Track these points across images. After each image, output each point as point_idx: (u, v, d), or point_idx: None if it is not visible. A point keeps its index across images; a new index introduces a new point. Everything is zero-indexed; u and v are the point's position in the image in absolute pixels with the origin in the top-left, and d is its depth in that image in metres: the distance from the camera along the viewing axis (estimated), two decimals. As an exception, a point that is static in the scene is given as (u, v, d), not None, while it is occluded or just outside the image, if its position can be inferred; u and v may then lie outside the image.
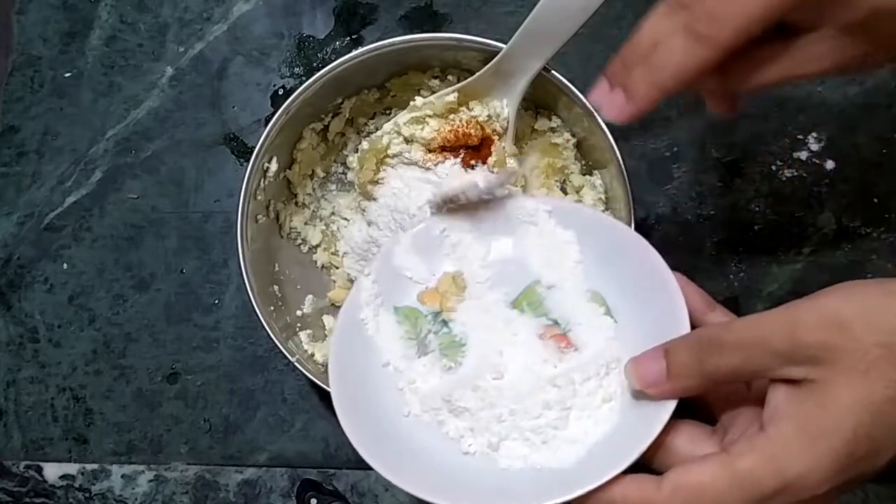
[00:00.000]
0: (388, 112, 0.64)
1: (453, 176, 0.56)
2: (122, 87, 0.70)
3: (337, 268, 0.63)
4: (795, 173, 0.63)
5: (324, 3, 0.70)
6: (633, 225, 0.53)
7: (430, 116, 0.57)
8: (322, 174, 0.64)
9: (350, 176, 0.62)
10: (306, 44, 0.70)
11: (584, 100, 0.53)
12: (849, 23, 0.39)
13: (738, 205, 0.63)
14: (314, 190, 0.64)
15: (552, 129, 0.60)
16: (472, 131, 0.57)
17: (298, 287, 0.61)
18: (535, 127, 0.61)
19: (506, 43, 0.53)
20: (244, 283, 0.55)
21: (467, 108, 0.57)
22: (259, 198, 0.58)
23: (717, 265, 0.62)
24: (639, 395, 0.45)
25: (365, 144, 0.59)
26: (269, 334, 0.55)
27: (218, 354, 0.65)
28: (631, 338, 0.49)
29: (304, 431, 0.63)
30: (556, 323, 0.51)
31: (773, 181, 0.63)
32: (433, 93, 0.58)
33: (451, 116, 0.57)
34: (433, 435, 0.49)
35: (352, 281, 0.62)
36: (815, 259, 0.61)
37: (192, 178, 0.68)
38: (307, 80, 0.56)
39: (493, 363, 0.50)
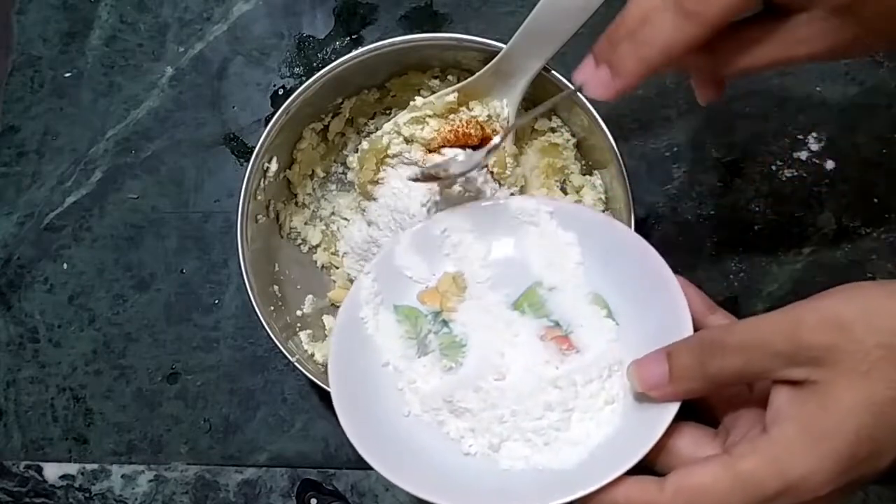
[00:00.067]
0: (388, 112, 0.63)
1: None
2: (122, 87, 0.70)
3: (337, 268, 0.63)
4: (795, 173, 0.63)
5: (324, 3, 0.70)
6: (633, 225, 0.53)
7: (430, 116, 0.57)
8: (322, 174, 0.64)
9: (350, 176, 0.62)
10: (306, 44, 0.69)
11: (585, 100, 0.53)
12: (838, 4, 0.39)
13: (738, 205, 0.63)
14: (314, 190, 0.64)
15: (552, 129, 0.60)
16: (472, 131, 0.57)
17: (298, 287, 0.61)
18: (535, 127, 0.61)
19: (506, 43, 0.53)
20: (244, 283, 0.55)
21: (467, 108, 0.57)
22: (259, 198, 0.58)
23: (717, 265, 0.62)
24: (641, 397, 0.45)
25: (365, 144, 0.59)
26: (269, 334, 0.55)
27: (218, 354, 0.65)
28: (633, 340, 0.49)
29: (304, 431, 0.63)
30: (557, 324, 0.51)
31: (773, 181, 0.63)
32: (433, 93, 0.58)
33: (451, 116, 0.57)
34: (434, 435, 0.49)
35: (352, 281, 0.62)
36: (815, 259, 0.61)
37: (192, 178, 0.68)
38: (307, 80, 0.56)
39: (494, 364, 0.50)
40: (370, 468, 0.46)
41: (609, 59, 0.43)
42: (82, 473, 0.65)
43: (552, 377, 0.49)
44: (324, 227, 0.63)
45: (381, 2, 0.69)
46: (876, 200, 0.62)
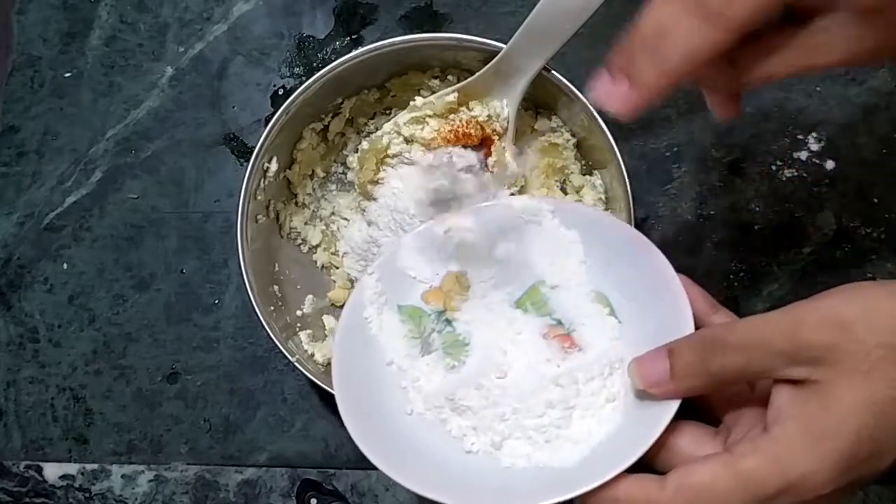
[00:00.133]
0: (388, 112, 0.63)
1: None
2: (122, 87, 0.70)
3: (337, 268, 0.63)
4: (795, 173, 0.63)
5: (324, 3, 0.70)
6: (633, 225, 0.53)
7: (430, 116, 0.57)
8: (322, 174, 0.64)
9: (350, 176, 0.62)
10: (306, 44, 0.69)
11: (585, 100, 0.53)
12: (866, 6, 0.37)
13: (738, 205, 0.63)
14: (314, 190, 0.64)
15: (552, 129, 0.60)
16: (472, 131, 0.57)
17: (298, 287, 0.61)
18: (535, 127, 0.61)
19: (506, 43, 0.53)
20: (244, 283, 0.55)
21: (467, 108, 0.57)
22: (259, 198, 0.58)
23: (717, 265, 0.62)
24: (642, 395, 0.45)
25: (365, 144, 0.59)
26: (269, 334, 0.55)
27: (218, 354, 0.65)
28: (635, 338, 0.49)
29: (304, 431, 0.63)
30: (559, 323, 0.51)
31: (773, 181, 0.63)
32: (433, 93, 0.58)
33: (451, 116, 0.57)
34: (436, 433, 0.49)
35: (352, 281, 0.62)
36: (815, 259, 0.61)
37: (192, 178, 0.68)
38: (307, 80, 0.56)
39: (496, 362, 0.50)
40: (370, 468, 0.46)
41: (628, 72, 0.40)
42: (82, 473, 0.65)
43: (554, 375, 0.49)
44: (324, 227, 0.63)
45: (381, 2, 0.69)
46: (876, 200, 0.62)
